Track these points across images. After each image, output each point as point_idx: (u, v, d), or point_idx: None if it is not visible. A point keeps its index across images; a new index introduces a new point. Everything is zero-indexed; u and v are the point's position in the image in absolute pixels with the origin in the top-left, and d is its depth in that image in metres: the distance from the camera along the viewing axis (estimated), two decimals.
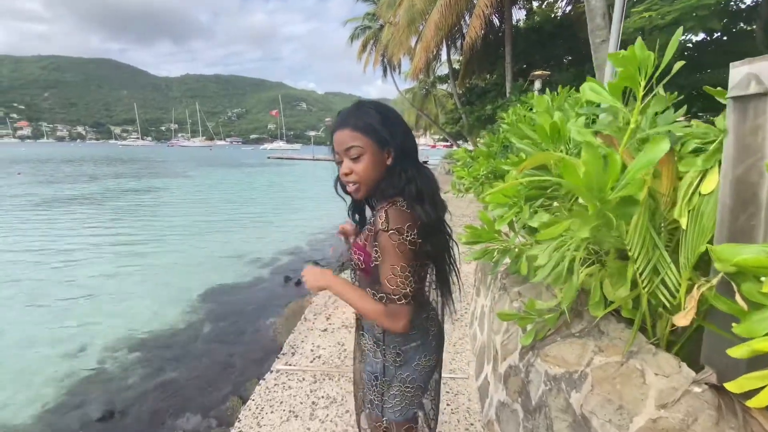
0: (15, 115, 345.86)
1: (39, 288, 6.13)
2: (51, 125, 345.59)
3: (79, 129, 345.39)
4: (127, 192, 18.01)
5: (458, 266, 1.26)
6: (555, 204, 2.02)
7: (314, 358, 2.74)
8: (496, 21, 13.51)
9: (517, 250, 1.97)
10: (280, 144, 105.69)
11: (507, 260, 2.18)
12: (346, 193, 1.14)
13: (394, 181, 1.03)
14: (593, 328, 1.52)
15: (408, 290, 0.98)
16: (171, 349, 4.36)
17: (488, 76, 16.03)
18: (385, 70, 22.71)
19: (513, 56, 12.21)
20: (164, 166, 37.87)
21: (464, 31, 13.92)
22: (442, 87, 24.03)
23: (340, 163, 1.05)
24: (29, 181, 21.93)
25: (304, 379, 2.52)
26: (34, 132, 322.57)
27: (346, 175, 1.03)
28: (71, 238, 9.25)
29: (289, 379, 2.52)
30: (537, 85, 8.57)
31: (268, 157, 59.61)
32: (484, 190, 3.86)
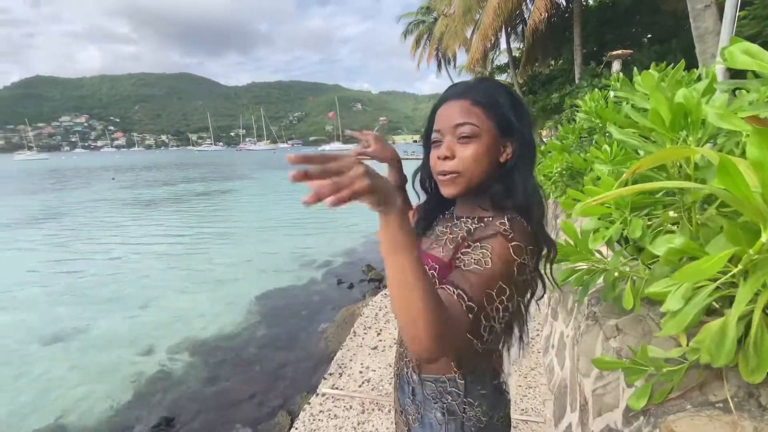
0: (112, 128, 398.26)
1: (116, 285, 6.72)
2: (140, 135, 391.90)
3: (163, 137, 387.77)
4: (198, 195, 19.55)
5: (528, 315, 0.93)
6: (672, 214, 1.54)
7: (363, 382, 2.49)
8: (563, 1, 12.34)
9: (616, 273, 1.53)
10: (336, 145, 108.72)
11: (600, 281, 1.74)
12: (424, 189, 0.92)
13: (515, 188, 0.75)
14: (746, 399, 1.06)
15: (496, 323, 0.65)
16: (227, 353, 4.42)
17: (553, 63, 14.78)
18: (439, 64, 22.10)
19: (582, 38, 11.04)
20: (232, 169, 40.72)
21: (526, 15, 12.94)
22: (501, 77, 22.82)
23: (435, 144, 0.79)
24: (120, 186, 24.87)
25: (351, 406, 2.28)
26: (127, 141, 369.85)
27: (444, 159, 0.75)
28: (148, 235, 10.13)
29: (335, 406, 2.29)
30: (616, 66, 7.58)
31: None
32: (557, 189, 3.34)
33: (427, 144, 0.83)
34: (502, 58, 19.17)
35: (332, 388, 2.45)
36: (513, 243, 0.68)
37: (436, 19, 19.26)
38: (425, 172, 0.88)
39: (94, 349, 4.60)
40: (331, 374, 2.61)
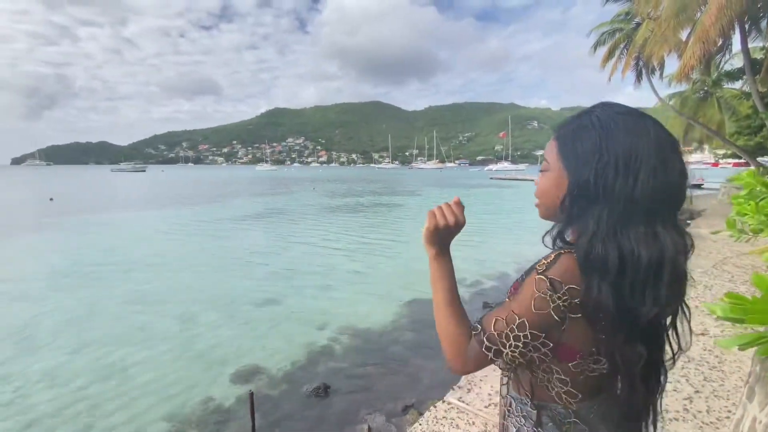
0: (319, 147, 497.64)
1: (303, 270, 8.42)
2: (337, 153, 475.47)
3: (353, 156, 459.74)
4: (372, 206, 22.45)
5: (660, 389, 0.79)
6: None
7: (490, 404, 2.49)
8: None
9: None
10: (504, 165, 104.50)
11: None
12: None
13: (569, 227, 0.77)
14: None
15: (507, 349, 0.71)
16: (378, 345, 5.01)
17: None
18: (639, 75, 18.89)
19: None
20: (402, 185, 44.71)
21: None
22: (732, 86, 17.71)
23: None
24: (317, 194, 30.99)
25: (474, 423, 2.32)
26: (327, 159, 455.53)
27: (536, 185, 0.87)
28: (331, 235, 12.28)
29: (458, 417, 2.38)
30: None
31: (491, 178, 60.30)
32: None
33: None
34: (735, 61, 14.96)
35: (458, 400, 2.54)
36: (538, 276, 0.70)
37: (638, 24, 16.62)
38: None
39: (285, 317, 5.98)
40: (459, 387, 2.70)
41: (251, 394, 3.37)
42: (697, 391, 2.62)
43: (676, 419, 2.36)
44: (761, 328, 1.34)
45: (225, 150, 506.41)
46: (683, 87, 17.70)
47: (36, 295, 7.03)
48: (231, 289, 7.34)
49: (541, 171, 0.83)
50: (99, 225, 15.35)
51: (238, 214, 18.38)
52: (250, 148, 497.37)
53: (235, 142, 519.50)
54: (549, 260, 0.72)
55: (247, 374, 4.32)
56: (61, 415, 3.65)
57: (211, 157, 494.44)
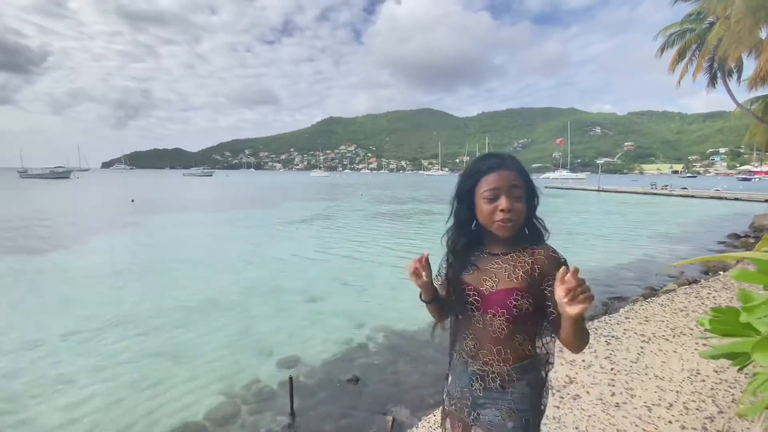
0: (369, 154, 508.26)
1: (346, 273, 8.89)
2: (387, 160, 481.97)
3: (402, 163, 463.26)
4: (417, 213, 22.81)
5: None
6: None
7: None
8: None
9: None
10: (563, 173, 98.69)
11: None
12: (464, 233, 1.37)
13: (542, 226, 1.29)
14: None
15: None
16: (408, 346, 5.25)
17: None
18: (714, 78, 17.32)
19: None
20: (448, 193, 44.31)
21: None
22: None
23: (491, 199, 1.17)
24: (364, 200, 31.88)
25: None
26: (378, 165, 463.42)
27: (507, 210, 1.14)
28: (373, 240, 12.71)
29: None
30: None
31: (546, 187, 57.72)
32: None
33: (467, 197, 1.31)
34: None
35: None
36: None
37: (711, 24, 15.32)
38: (468, 217, 1.33)
39: (325, 314, 6.43)
40: None
41: (291, 379, 3.79)
42: (720, 412, 2.57)
43: None
44: (726, 340, 1.44)
45: (283, 157, 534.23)
46: (766, 91, 15.90)
47: (115, 285, 8.19)
48: (279, 286, 7.99)
49: (516, 198, 1.17)
50: (171, 224, 17.22)
51: (292, 217, 19.64)
52: (305, 155, 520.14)
53: (292, 149, 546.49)
54: (556, 255, 1.19)
55: (289, 362, 4.79)
56: (130, 384, 4.31)
57: (270, 164, 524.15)
